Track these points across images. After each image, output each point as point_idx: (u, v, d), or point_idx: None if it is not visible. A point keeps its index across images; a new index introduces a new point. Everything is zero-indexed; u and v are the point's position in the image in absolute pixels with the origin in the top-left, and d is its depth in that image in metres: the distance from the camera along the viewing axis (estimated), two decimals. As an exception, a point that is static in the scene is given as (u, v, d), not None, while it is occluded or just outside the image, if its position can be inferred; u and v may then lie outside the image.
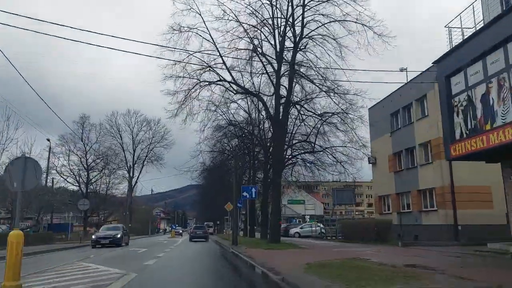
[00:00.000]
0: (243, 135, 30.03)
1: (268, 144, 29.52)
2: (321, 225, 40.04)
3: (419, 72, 27.01)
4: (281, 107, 23.77)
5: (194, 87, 21.76)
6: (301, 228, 39.03)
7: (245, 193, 23.05)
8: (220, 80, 22.78)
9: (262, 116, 30.41)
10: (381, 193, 31.61)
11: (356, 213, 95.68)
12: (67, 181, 45.07)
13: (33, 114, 43.92)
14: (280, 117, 22.98)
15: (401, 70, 31.23)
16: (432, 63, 16.80)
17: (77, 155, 45.58)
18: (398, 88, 29.64)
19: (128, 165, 48.62)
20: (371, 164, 33.41)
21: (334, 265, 10.63)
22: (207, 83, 22.42)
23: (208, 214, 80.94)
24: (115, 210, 69.28)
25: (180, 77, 21.49)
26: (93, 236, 27.10)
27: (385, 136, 30.82)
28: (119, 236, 26.29)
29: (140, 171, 63.61)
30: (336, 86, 22.38)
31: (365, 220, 25.69)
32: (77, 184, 45.52)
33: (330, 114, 23.10)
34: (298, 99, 24.62)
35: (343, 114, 22.95)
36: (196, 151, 29.02)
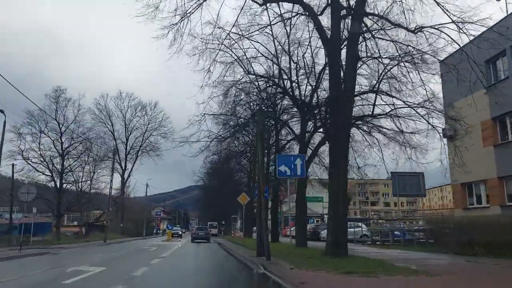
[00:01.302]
0: (266, 88, 19.36)
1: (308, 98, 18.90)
2: (363, 226, 29.43)
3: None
4: (344, 24, 13.32)
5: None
6: (336, 229, 28.31)
7: (283, 168, 12.36)
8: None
9: (294, 64, 19.73)
10: (467, 179, 20.77)
11: (372, 213, 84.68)
12: (37, 170, 34.42)
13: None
14: (349, 32, 12.43)
15: (498, -2, 20.78)
16: None
17: (48, 136, 34.98)
18: (500, 21, 19.13)
19: (114, 151, 37.89)
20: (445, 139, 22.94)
21: None
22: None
23: (211, 214, 70.31)
24: (105, 208, 58.60)
25: None
26: None
27: (476, 94, 20.06)
28: None
29: (134, 163, 53.29)
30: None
31: (480, 218, 14.71)
32: (49, 174, 34.82)
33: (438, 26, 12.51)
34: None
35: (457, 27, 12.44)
36: (198, 115, 18.47)
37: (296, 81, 19.53)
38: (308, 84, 19.22)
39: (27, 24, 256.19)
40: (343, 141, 12.44)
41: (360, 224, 29.23)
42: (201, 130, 18.77)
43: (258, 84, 18.89)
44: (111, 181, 33.83)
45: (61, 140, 35.26)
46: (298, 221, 18.53)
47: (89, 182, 40.18)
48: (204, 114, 18.68)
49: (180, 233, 57.24)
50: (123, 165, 52.17)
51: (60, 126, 35.23)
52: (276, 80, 19.25)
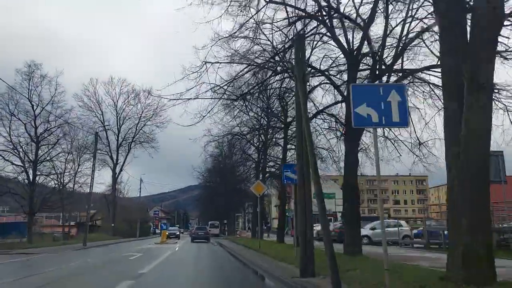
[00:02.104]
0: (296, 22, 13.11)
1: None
2: (404, 224, 23.23)
3: None
4: None
5: None
6: (371, 229, 21.96)
7: (363, 110, 6.05)
8: None
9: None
10: None
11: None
12: (5, 159, 28.07)
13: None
14: None
15: None
16: None
17: (19, 119, 28.66)
18: None
19: (96, 136, 31.11)
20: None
21: None
22: None
23: (212, 212, 63.95)
24: (97, 207, 52.18)
25: None
26: None
27: None
28: None
29: (126, 155, 46.80)
30: None
31: None
32: (20, 163, 28.41)
33: None
34: None
35: None
36: (197, 66, 12.38)
37: (337, 16, 13.24)
38: (356, 22, 12.93)
39: (27, 24, 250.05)
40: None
41: (398, 222, 22.94)
42: (201, 83, 12.65)
43: (288, 14, 12.64)
44: (93, 171, 27.34)
45: (35, 123, 28.97)
46: (349, 221, 12.23)
47: (71, 175, 33.84)
48: (205, 62, 12.60)
49: (178, 233, 50.54)
50: (114, 158, 45.71)
51: (34, 107, 28.96)
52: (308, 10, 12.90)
